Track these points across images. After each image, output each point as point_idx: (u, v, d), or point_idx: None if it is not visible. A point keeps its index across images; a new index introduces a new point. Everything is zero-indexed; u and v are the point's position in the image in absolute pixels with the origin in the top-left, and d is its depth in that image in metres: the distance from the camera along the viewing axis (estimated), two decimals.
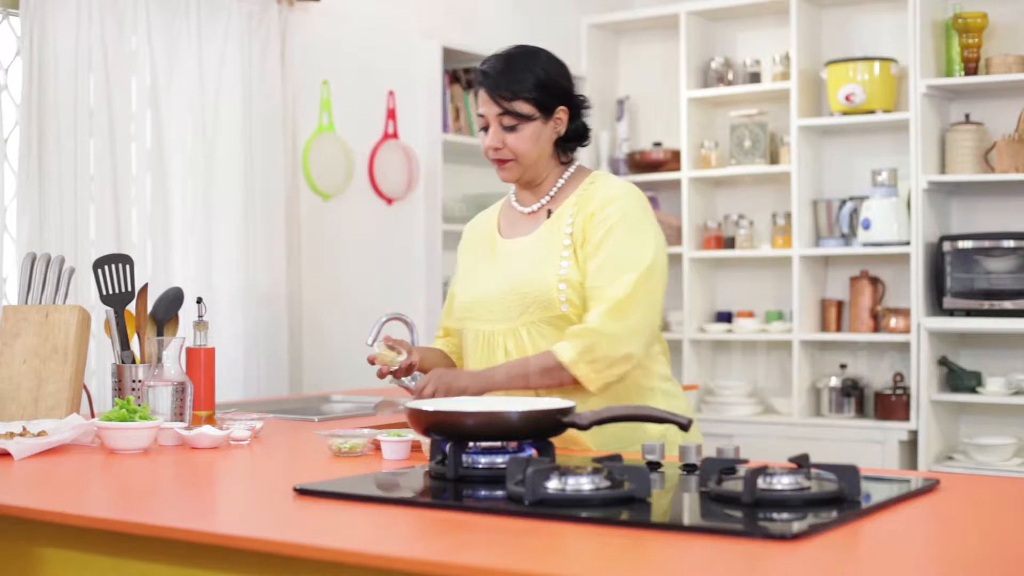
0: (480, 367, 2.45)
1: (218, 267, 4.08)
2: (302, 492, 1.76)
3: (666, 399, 2.44)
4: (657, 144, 5.64)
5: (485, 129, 2.46)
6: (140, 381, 2.58)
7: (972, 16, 4.78)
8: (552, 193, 2.49)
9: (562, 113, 2.46)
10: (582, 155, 5.51)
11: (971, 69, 4.82)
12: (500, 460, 1.83)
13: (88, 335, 2.67)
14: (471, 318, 2.50)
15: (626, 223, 2.37)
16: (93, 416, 2.67)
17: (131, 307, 2.70)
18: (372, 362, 2.48)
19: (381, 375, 2.48)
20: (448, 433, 1.85)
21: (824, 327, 5.22)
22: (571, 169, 2.52)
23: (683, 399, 2.51)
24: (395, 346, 2.47)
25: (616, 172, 5.58)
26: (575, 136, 2.51)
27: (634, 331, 2.32)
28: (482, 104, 2.45)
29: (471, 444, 1.85)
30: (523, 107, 2.41)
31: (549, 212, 2.47)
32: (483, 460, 1.84)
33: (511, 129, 2.42)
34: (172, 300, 2.75)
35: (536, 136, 2.43)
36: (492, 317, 2.44)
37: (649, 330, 2.36)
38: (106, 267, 2.66)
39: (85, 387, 2.69)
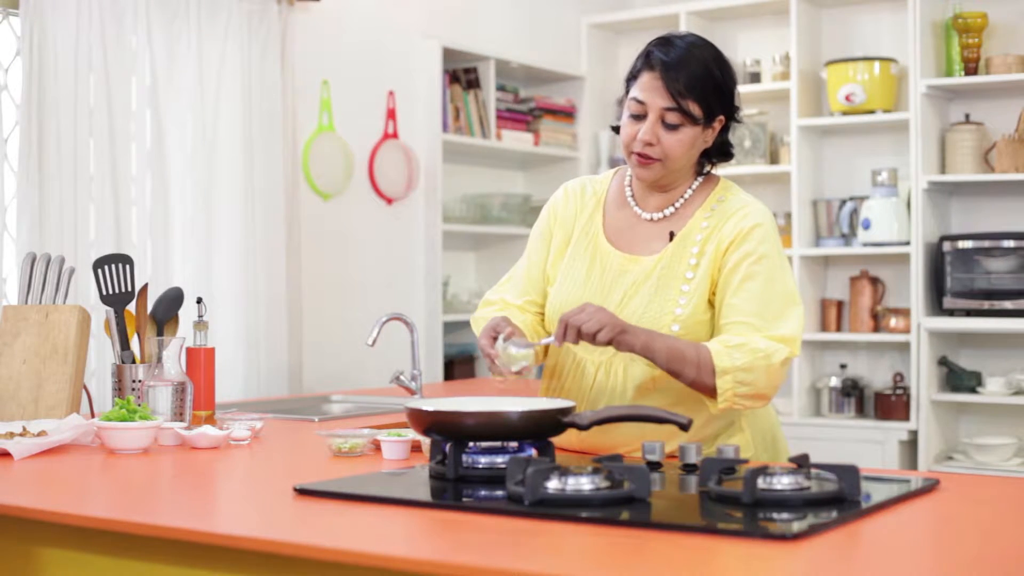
0: (573, 389, 2.26)
1: (218, 267, 4.08)
2: (302, 492, 1.76)
3: (752, 418, 2.31)
4: None
5: (635, 117, 2.20)
6: (140, 381, 2.58)
7: (972, 16, 4.78)
8: (678, 204, 2.28)
9: (718, 124, 2.24)
10: (583, 153, 5.54)
11: (971, 69, 4.82)
12: (500, 460, 1.83)
13: (88, 335, 2.67)
14: None
15: (774, 255, 2.19)
16: (93, 416, 2.67)
17: (131, 307, 2.70)
18: (492, 359, 2.12)
19: (497, 374, 2.14)
20: (448, 433, 1.85)
21: (824, 327, 5.22)
22: (700, 177, 2.31)
23: (766, 417, 2.35)
24: (520, 341, 2.12)
25: None
26: (719, 150, 2.30)
27: (781, 380, 2.14)
28: (647, 91, 2.18)
29: (471, 444, 1.85)
30: (693, 107, 2.17)
31: (672, 234, 2.25)
32: (483, 460, 1.84)
33: (672, 128, 2.18)
34: (172, 300, 2.75)
35: (692, 142, 2.21)
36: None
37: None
38: (106, 267, 2.66)
39: (85, 387, 2.69)
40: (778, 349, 2.12)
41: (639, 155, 2.21)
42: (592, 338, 2.06)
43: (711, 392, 2.12)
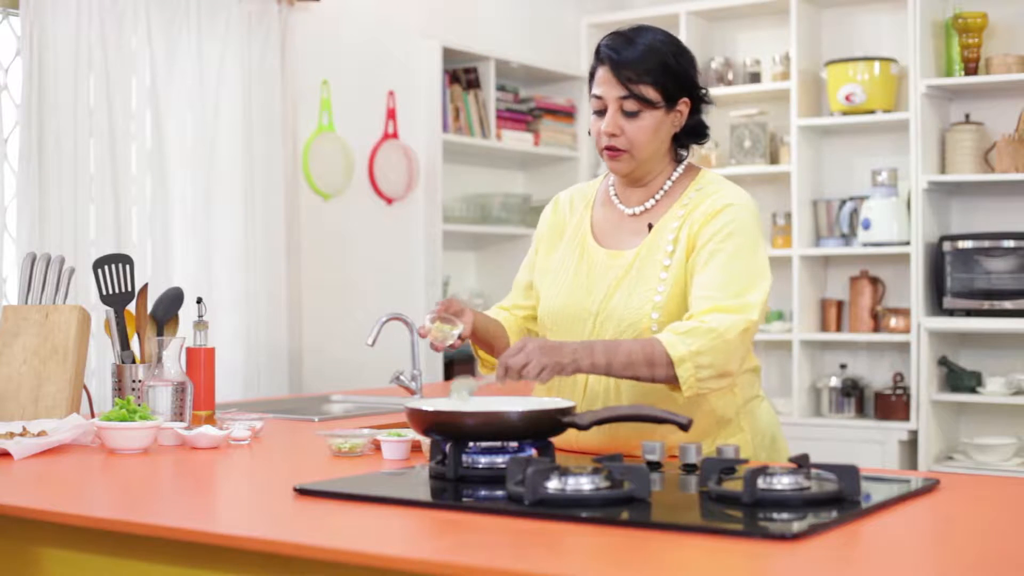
0: (569, 391, 2.27)
1: (218, 267, 4.08)
2: (302, 492, 1.76)
3: (752, 418, 2.31)
4: None
5: (599, 113, 2.26)
6: (140, 381, 2.58)
7: (972, 16, 4.78)
8: (658, 196, 2.30)
9: (684, 105, 2.25)
10: (583, 153, 5.54)
11: (971, 69, 4.82)
12: (500, 460, 1.83)
13: (88, 335, 2.67)
14: (555, 333, 2.30)
15: (744, 234, 2.19)
16: (93, 416, 2.67)
17: (131, 307, 2.70)
18: (424, 335, 2.20)
19: (435, 349, 2.21)
20: (448, 433, 1.85)
21: (824, 327, 5.22)
22: (680, 168, 2.32)
23: (766, 417, 2.34)
24: (450, 317, 2.17)
25: None
26: (692, 132, 2.31)
27: (743, 353, 2.14)
28: (601, 84, 2.23)
29: (471, 444, 1.85)
30: (648, 92, 2.20)
31: (650, 226, 2.27)
32: (483, 460, 1.84)
33: (632, 116, 2.21)
34: (172, 300, 2.75)
35: (656, 127, 2.23)
36: (577, 338, 2.23)
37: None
38: (106, 267, 2.66)
39: (85, 387, 2.69)
40: (732, 324, 2.09)
41: (607, 149, 2.26)
42: (535, 378, 2.06)
43: (674, 382, 2.11)
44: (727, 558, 1.39)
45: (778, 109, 5.32)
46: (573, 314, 2.27)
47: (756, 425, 2.30)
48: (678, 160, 2.34)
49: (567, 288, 2.31)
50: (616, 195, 2.36)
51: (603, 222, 2.36)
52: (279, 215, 4.24)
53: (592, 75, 2.28)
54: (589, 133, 2.34)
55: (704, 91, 2.30)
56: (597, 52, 2.26)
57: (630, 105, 2.21)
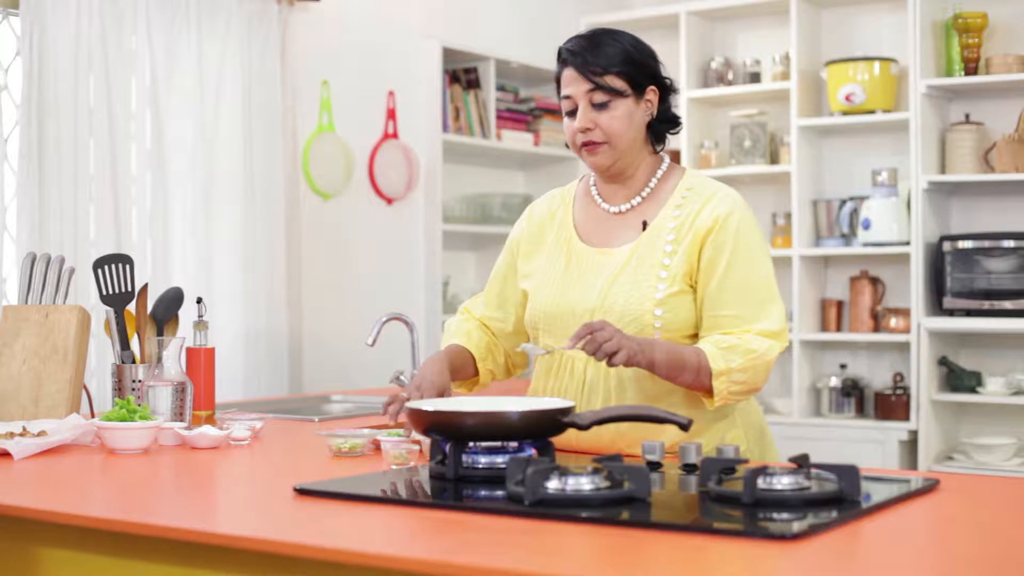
0: (555, 387, 2.28)
1: (218, 267, 4.08)
2: (302, 492, 1.76)
3: (744, 414, 2.33)
4: None
5: (571, 114, 2.27)
6: (140, 381, 2.58)
7: (972, 16, 4.78)
8: (644, 194, 2.31)
9: (652, 94, 2.28)
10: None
11: (971, 69, 4.82)
12: (500, 460, 1.83)
13: (88, 335, 2.67)
14: (548, 332, 2.29)
15: (753, 242, 2.23)
16: (93, 416, 2.67)
17: (131, 307, 2.70)
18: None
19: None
20: (448, 433, 1.85)
21: (824, 327, 5.22)
22: (663, 166, 2.34)
23: (755, 411, 2.37)
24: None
25: None
26: (666, 120, 2.33)
27: (770, 371, 2.20)
28: (568, 84, 2.25)
29: (471, 444, 1.85)
30: (615, 81, 2.22)
31: (645, 224, 2.27)
32: (483, 460, 1.84)
33: (602, 107, 2.23)
34: (172, 300, 2.75)
35: (629, 115, 2.25)
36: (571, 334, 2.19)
37: None
38: (106, 267, 2.67)
39: (85, 387, 2.69)
40: (771, 346, 2.18)
41: (585, 145, 2.28)
42: (608, 358, 2.06)
43: (707, 392, 2.16)
44: (727, 558, 1.39)
45: (778, 109, 5.32)
46: (568, 311, 2.27)
47: (748, 419, 2.35)
48: (655, 152, 2.36)
49: (559, 287, 2.31)
50: (598, 194, 2.38)
51: (586, 222, 2.37)
52: (279, 215, 4.24)
53: (558, 81, 2.30)
54: (567, 147, 2.39)
55: (669, 80, 2.33)
56: (559, 55, 2.29)
57: (599, 96, 2.23)
